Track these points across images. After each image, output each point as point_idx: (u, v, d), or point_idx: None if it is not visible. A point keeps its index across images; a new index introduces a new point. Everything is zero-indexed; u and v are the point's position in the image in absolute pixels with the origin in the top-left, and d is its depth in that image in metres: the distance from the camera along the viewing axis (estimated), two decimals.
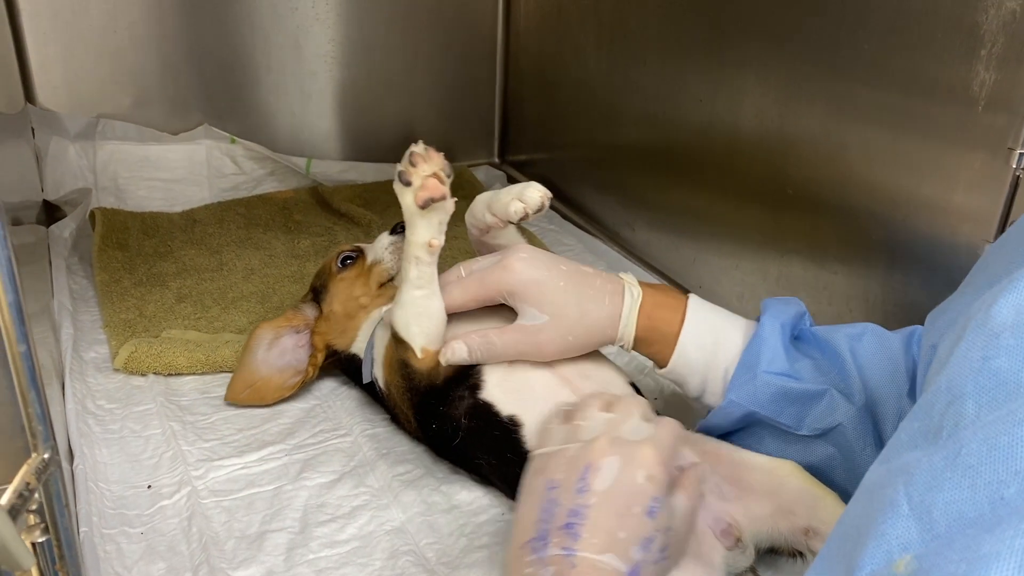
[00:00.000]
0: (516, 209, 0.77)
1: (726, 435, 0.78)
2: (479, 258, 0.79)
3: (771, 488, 0.70)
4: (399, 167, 0.72)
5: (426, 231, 0.72)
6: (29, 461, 0.41)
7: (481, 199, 0.80)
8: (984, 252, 0.78)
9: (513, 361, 0.76)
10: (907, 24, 0.81)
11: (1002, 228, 0.77)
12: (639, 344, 0.77)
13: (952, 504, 0.35)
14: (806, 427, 0.73)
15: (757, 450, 0.75)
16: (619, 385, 0.77)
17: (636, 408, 0.66)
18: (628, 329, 0.76)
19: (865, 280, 0.92)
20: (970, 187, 0.79)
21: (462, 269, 0.79)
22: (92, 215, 1.26)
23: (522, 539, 0.58)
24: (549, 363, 0.76)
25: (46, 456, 0.41)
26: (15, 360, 0.38)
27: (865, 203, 0.90)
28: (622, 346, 0.77)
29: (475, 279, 0.76)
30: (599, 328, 0.75)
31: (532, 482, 0.62)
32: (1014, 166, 0.75)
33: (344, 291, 0.90)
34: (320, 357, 0.90)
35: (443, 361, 0.75)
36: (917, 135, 0.83)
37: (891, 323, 0.76)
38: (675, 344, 0.76)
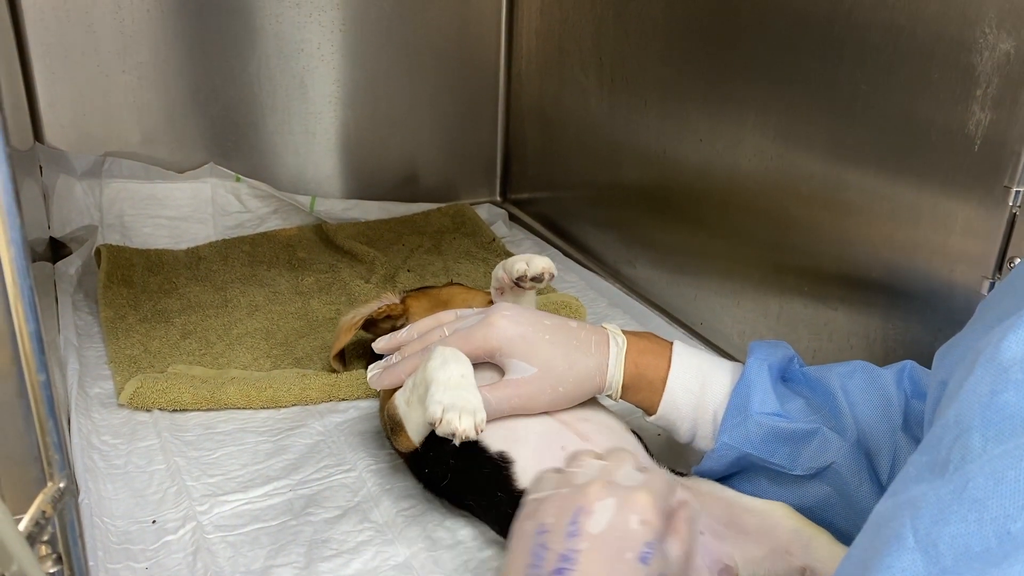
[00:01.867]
0: (519, 268, 0.85)
1: (723, 480, 0.77)
2: (461, 312, 0.81)
3: (766, 530, 0.70)
4: (439, 418, 0.70)
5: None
6: (45, 490, 0.41)
7: (504, 262, 0.87)
8: (985, 288, 0.79)
9: None
10: (904, 65, 0.83)
11: (1000, 264, 0.78)
12: (627, 392, 0.77)
13: (958, 537, 0.35)
14: (800, 467, 0.72)
15: (754, 494, 0.74)
16: (618, 428, 0.77)
17: (629, 457, 0.64)
18: (616, 376, 0.76)
19: (865, 317, 0.92)
20: (967, 224, 0.80)
21: (445, 329, 0.79)
22: (98, 252, 1.26)
23: None
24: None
25: (62, 485, 0.42)
26: (34, 388, 0.39)
27: (864, 240, 0.91)
28: (609, 395, 0.77)
29: (459, 337, 0.75)
30: (588, 377, 0.75)
31: (522, 526, 0.60)
32: (1010, 203, 0.76)
33: (465, 293, 0.97)
34: (398, 308, 0.95)
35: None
36: (914, 173, 0.84)
37: (892, 359, 0.77)
38: (663, 390, 0.76)
